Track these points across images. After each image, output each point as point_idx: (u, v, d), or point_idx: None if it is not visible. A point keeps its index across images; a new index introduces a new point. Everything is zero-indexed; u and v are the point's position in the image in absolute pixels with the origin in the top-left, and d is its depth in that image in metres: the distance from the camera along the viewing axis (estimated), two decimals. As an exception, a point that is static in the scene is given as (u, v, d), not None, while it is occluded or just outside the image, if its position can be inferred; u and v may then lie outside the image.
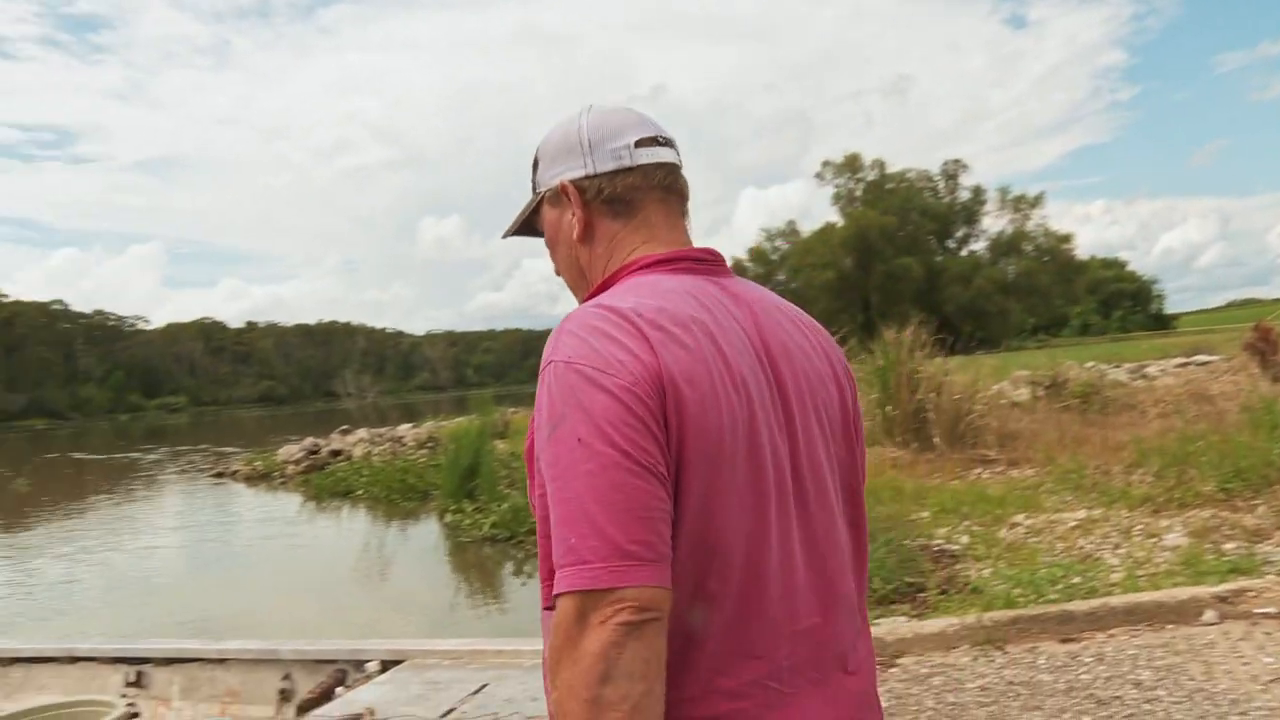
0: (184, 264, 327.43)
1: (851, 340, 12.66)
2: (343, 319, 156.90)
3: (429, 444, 21.93)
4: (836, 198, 73.37)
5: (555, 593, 1.17)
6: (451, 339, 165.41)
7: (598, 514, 1.16)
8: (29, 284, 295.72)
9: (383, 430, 22.24)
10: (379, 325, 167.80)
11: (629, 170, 1.45)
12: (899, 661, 4.73)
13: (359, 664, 5.07)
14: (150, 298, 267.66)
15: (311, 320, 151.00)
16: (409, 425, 24.67)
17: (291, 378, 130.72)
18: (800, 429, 1.36)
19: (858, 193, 72.79)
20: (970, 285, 68.70)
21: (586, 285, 1.49)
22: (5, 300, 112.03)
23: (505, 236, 1.64)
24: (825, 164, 74.67)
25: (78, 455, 39.53)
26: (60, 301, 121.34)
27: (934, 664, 4.64)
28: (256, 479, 22.55)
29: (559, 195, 1.49)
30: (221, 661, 5.46)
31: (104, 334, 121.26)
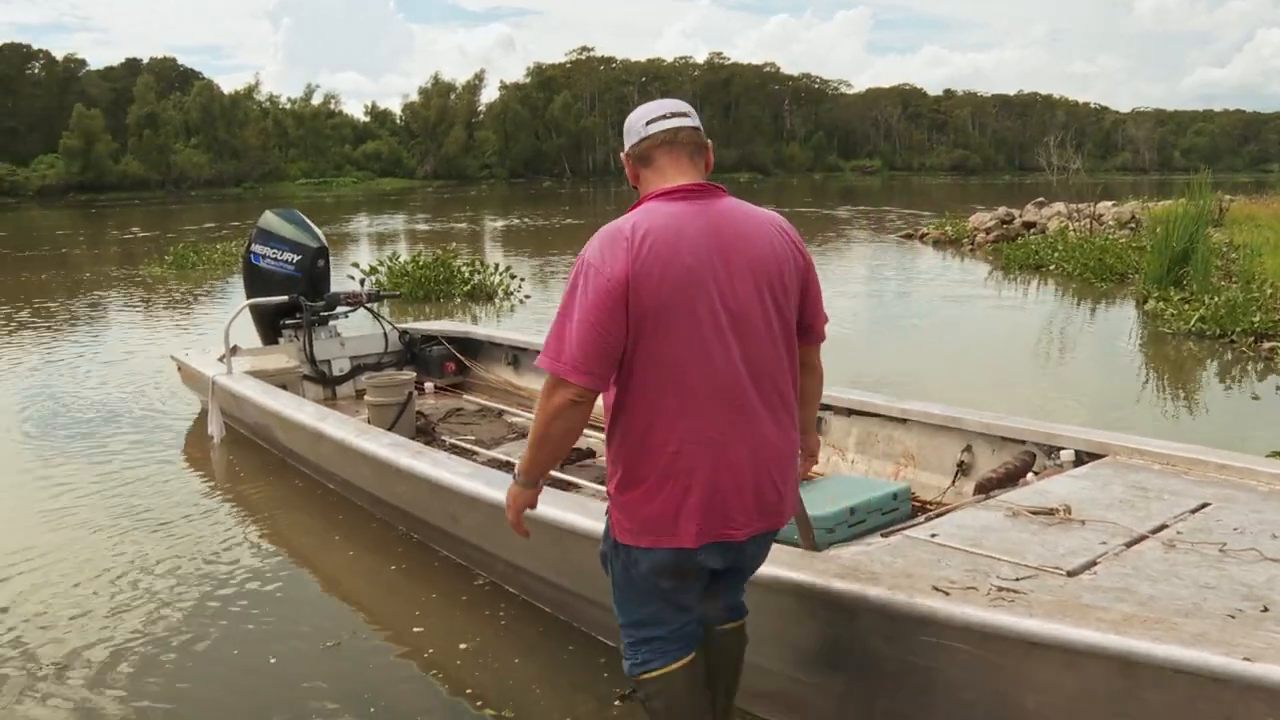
0: (887, 30, 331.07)
1: None
2: (1043, 91, 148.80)
3: (1130, 224, 20.08)
4: None
5: (537, 363, 2.46)
6: (1160, 117, 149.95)
7: (574, 342, 2.34)
8: (745, 48, 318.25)
9: (1081, 206, 20.64)
10: (1081, 99, 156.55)
11: (645, 138, 2.52)
12: None
13: (1051, 450, 4.46)
14: (853, 63, 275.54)
15: (1010, 91, 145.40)
16: (1110, 203, 22.77)
17: (985, 148, 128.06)
18: (739, 288, 2.41)
19: None
20: None
21: None
22: (725, 62, 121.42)
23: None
24: None
25: (777, 208, 42.30)
26: (772, 64, 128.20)
27: None
28: (945, 244, 22.35)
29: (625, 161, 2.61)
30: (903, 421, 5.16)
31: (809, 96, 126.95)
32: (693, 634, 2.70)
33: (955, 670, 2.65)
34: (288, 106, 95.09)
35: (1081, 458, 4.31)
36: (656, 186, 2.49)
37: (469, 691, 3.60)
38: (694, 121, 2.54)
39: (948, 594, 2.66)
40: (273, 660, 3.90)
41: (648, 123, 2.52)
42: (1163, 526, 3.35)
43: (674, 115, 2.53)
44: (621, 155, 2.61)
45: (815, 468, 5.01)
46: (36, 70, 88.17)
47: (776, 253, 2.49)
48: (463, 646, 3.95)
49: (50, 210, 55.57)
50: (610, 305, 2.32)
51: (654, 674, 2.65)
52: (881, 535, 3.58)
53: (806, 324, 2.63)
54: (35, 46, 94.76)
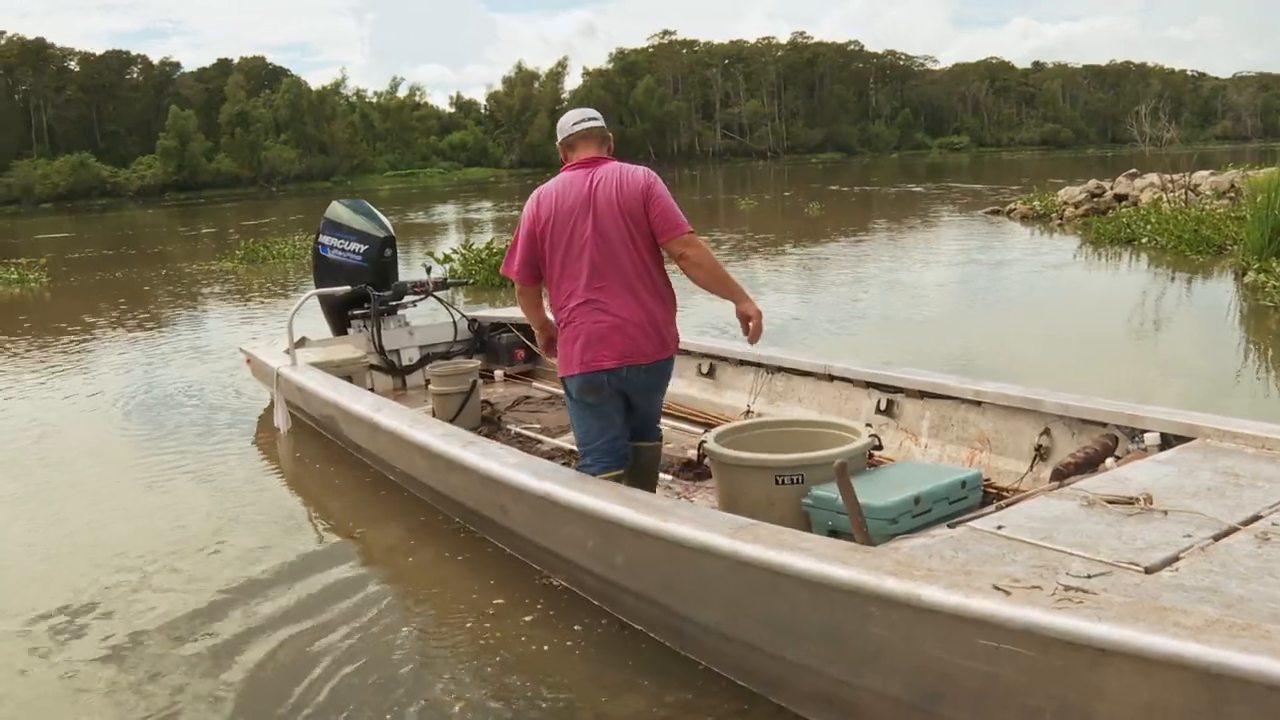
0: (973, 3, 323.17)
1: None
2: (1137, 59, 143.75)
3: (1229, 194, 19.25)
4: None
5: (501, 270, 4.84)
6: (1264, 82, 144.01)
7: (516, 254, 4.13)
8: (828, 27, 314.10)
9: (1175, 177, 19.85)
10: (1177, 66, 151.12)
11: (572, 134, 4.09)
12: None
13: (1134, 433, 4.18)
14: (939, 37, 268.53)
15: (1103, 61, 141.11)
16: (1207, 173, 21.87)
17: (1076, 121, 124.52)
18: (602, 215, 3.90)
19: None
20: None
21: None
22: (809, 42, 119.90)
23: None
24: None
25: (861, 187, 41.63)
26: (856, 42, 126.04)
27: None
28: (1033, 219, 21.72)
29: (559, 147, 4.16)
30: (977, 404, 4.90)
31: (894, 73, 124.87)
32: (622, 454, 4.09)
33: (1018, 676, 2.43)
34: (374, 100, 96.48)
35: (1168, 441, 4.02)
36: (572, 161, 4.08)
37: (518, 682, 3.47)
38: (600, 122, 4.12)
39: (1009, 593, 2.44)
40: (335, 644, 3.82)
41: (574, 124, 4.10)
42: (1256, 517, 3.07)
43: (588, 120, 4.11)
44: (556, 143, 4.16)
45: (882, 453, 4.78)
46: (135, 75, 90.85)
47: (625, 189, 3.92)
48: (515, 635, 3.83)
49: (147, 209, 57.09)
50: (530, 234, 4.02)
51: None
52: (948, 526, 3.35)
53: (659, 226, 3.94)
54: (133, 52, 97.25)
